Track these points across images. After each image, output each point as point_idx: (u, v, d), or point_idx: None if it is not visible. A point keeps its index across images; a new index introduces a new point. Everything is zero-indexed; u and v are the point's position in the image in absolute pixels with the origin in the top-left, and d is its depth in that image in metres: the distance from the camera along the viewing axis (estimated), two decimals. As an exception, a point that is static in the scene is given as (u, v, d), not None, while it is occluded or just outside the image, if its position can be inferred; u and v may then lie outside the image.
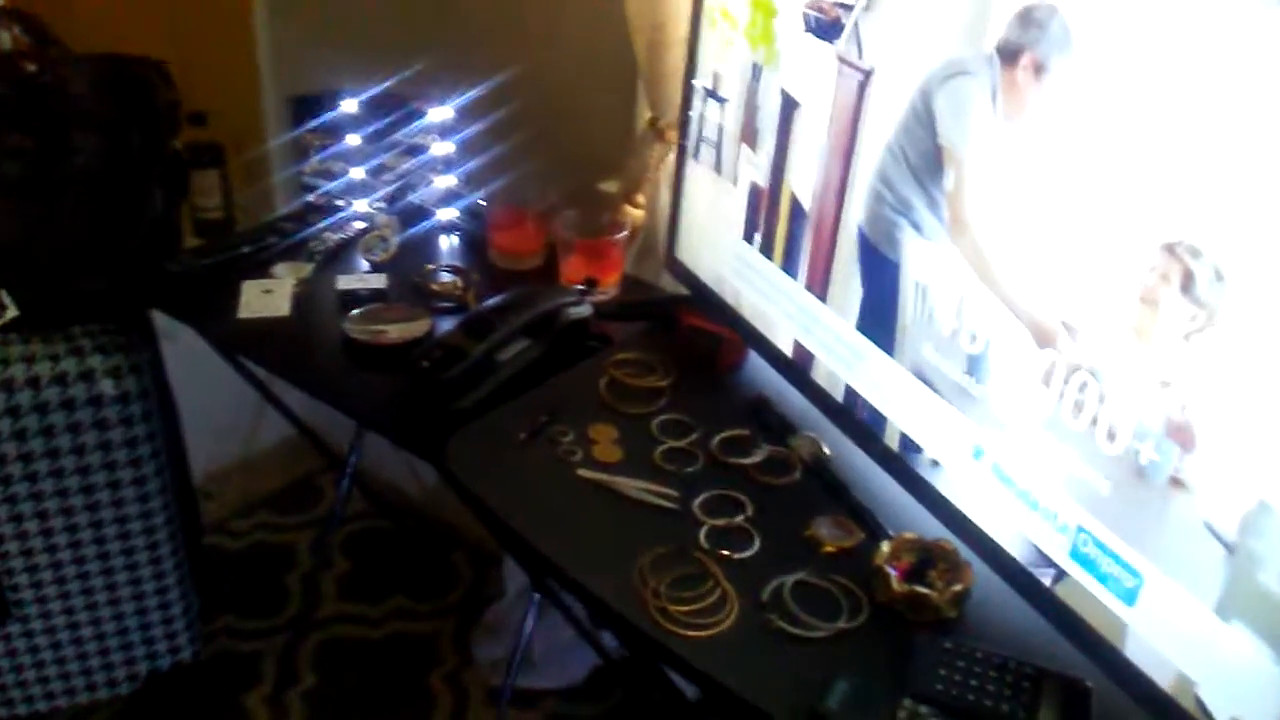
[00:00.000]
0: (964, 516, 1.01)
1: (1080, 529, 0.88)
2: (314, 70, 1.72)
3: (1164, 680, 0.83)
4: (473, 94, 1.56)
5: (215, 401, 2.01)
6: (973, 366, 0.97)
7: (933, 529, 1.04)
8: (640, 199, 1.50)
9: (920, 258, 1.00)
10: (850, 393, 1.13)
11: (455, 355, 1.26)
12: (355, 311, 1.37)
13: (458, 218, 1.62)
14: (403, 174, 1.63)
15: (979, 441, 0.98)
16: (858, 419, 1.13)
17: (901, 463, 1.08)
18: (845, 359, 1.13)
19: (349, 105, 1.59)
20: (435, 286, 1.45)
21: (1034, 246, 0.88)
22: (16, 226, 1.44)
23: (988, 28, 0.88)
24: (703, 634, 0.95)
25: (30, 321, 1.44)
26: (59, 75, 1.44)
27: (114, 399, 1.46)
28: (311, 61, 1.74)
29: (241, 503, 2.26)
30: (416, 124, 1.60)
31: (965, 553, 1.00)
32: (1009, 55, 0.86)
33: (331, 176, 1.63)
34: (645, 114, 1.46)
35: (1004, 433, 0.95)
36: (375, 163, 1.62)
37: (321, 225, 1.58)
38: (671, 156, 1.39)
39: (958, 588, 0.97)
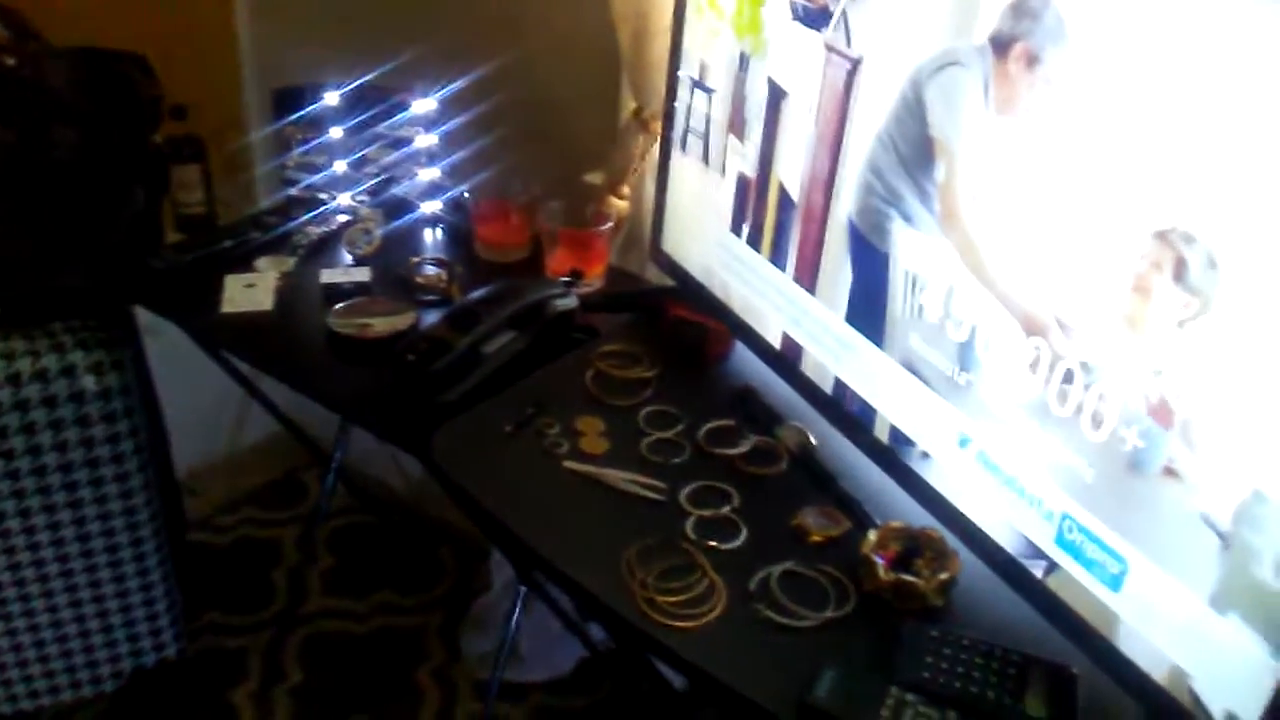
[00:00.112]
0: (950, 505, 1.02)
1: (1065, 515, 0.89)
2: (296, 62, 1.71)
3: (1154, 669, 0.83)
4: (456, 86, 1.55)
5: (199, 397, 2.00)
6: (960, 356, 0.97)
7: (919, 517, 1.04)
8: (625, 190, 1.50)
9: (910, 248, 1.01)
10: (839, 385, 1.14)
11: (440, 348, 1.25)
12: (339, 305, 1.36)
13: (442, 210, 1.61)
14: (386, 167, 1.62)
15: (965, 430, 0.98)
16: (847, 411, 1.13)
17: (890, 454, 1.09)
18: (834, 351, 1.13)
19: (331, 98, 1.58)
20: (420, 279, 1.44)
21: (1025, 237, 0.88)
22: (-5, 221, 1.42)
23: (979, 18, 0.88)
24: (690, 624, 0.95)
25: (10, 318, 1.43)
26: (38, 69, 1.42)
27: (96, 395, 1.45)
28: (293, 54, 1.73)
29: (226, 498, 2.25)
30: (400, 116, 1.59)
31: (952, 541, 1.00)
32: (1001, 46, 0.86)
33: (314, 170, 1.62)
34: (629, 105, 1.46)
35: (990, 421, 0.95)
36: (358, 155, 1.61)
37: (304, 219, 1.57)
38: (656, 147, 1.39)
39: (944, 576, 0.97)
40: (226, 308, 1.39)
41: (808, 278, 1.15)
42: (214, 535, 2.18)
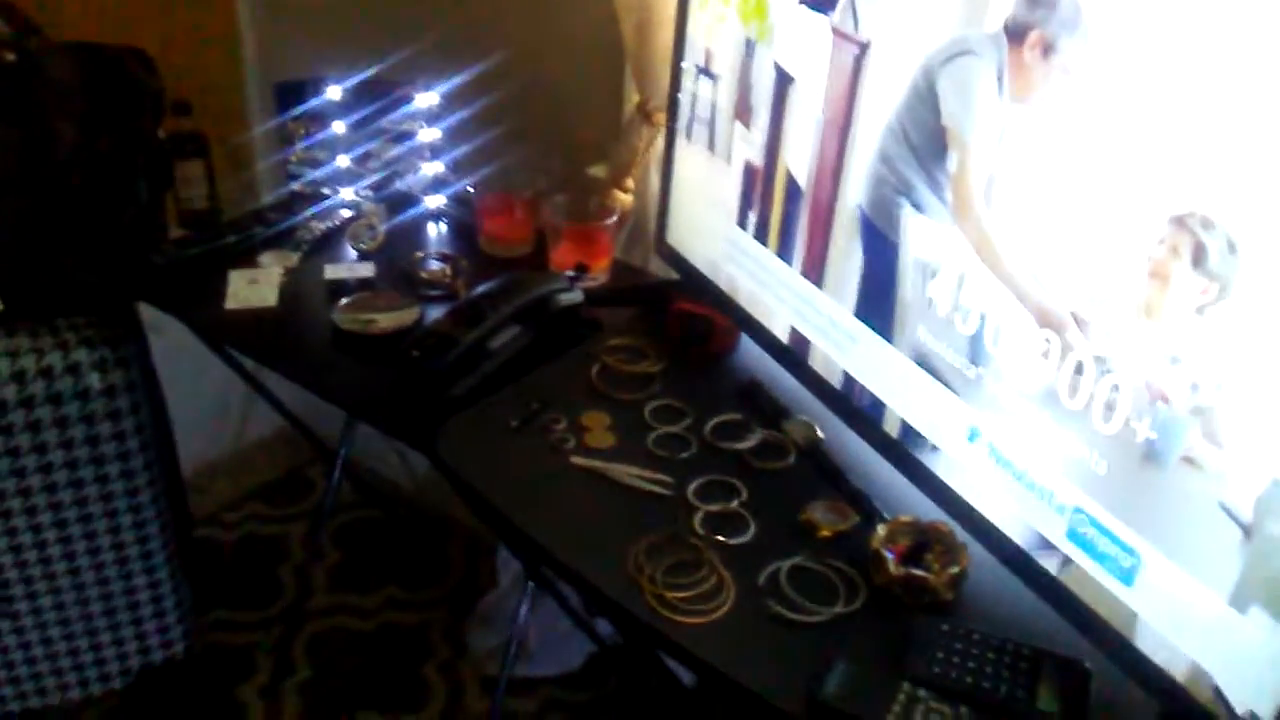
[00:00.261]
0: (960, 499, 1.01)
1: (1077, 509, 0.88)
2: (299, 56, 1.70)
3: (1171, 665, 0.82)
4: (459, 79, 1.54)
5: (204, 393, 2.00)
6: (971, 349, 0.96)
7: (929, 511, 1.03)
8: (629, 183, 1.49)
9: (921, 239, 0.99)
10: (848, 379, 1.13)
11: (446, 343, 1.25)
12: (343, 301, 1.36)
13: (446, 205, 1.60)
14: (390, 161, 1.61)
15: (975, 423, 0.97)
16: (856, 405, 1.12)
17: (899, 448, 1.08)
18: (842, 345, 1.12)
19: (334, 92, 1.58)
20: (424, 274, 1.44)
21: (1040, 227, 0.87)
22: (-2, 218, 1.42)
23: (992, 6, 0.87)
24: (700, 620, 0.94)
25: (14, 315, 1.43)
26: (40, 65, 1.42)
27: (101, 392, 1.44)
28: (296, 47, 1.72)
29: (232, 495, 2.25)
30: (403, 110, 1.58)
31: (962, 535, 1.00)
32: (1017, 34, 0.85)
33: (317, 164, 1.61)
34: (633, 97, 1.45)
35: (1000, 414, 0.94)
36: (362, 150, 1.61)
37: (308, 214, 1.56)
38: (661, 140, 1.38)
39: (954, 570, 0.97)
40: (230, 303, 1.38)
41: (815, 271, 1.14)
42: (220, 532, 2.18)
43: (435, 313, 1.35)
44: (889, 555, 0.97)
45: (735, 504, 1.07)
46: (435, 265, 1.46)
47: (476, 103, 1.55)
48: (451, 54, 1.54)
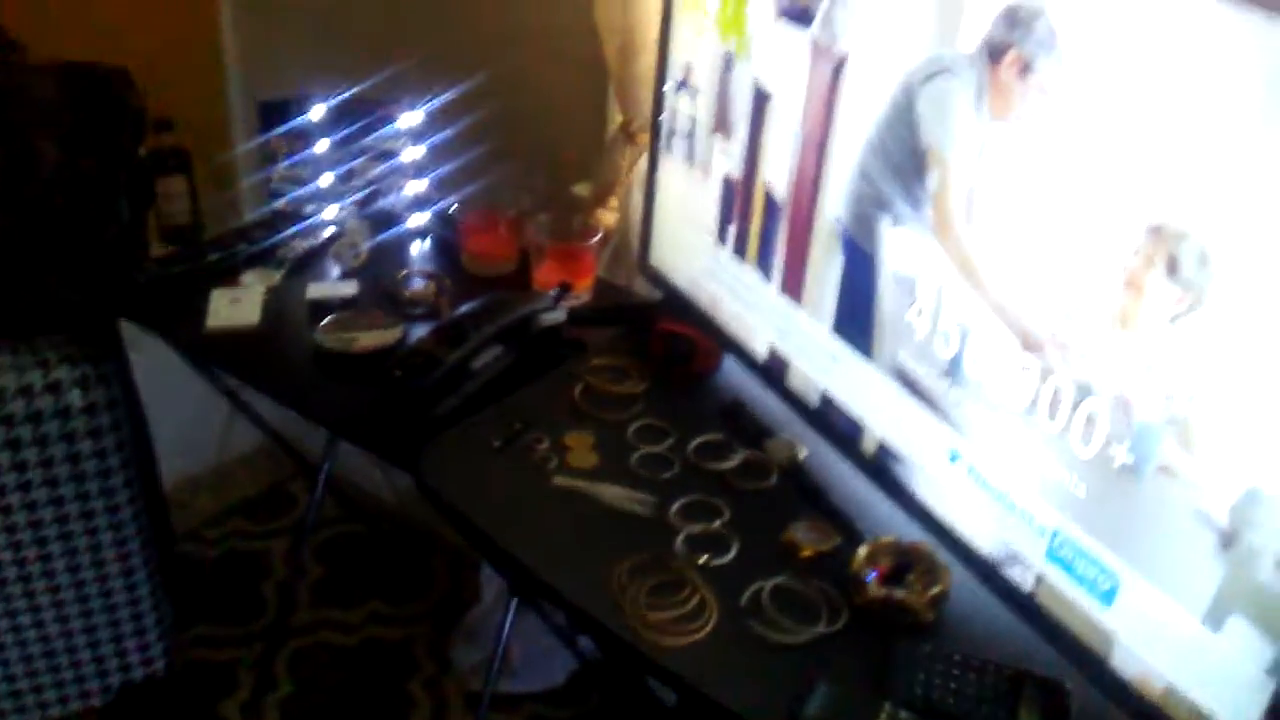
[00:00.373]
0: (941, 519, 1.02)
1: (1056, 531, 0.89)
2: (282, 75, 1.70)
3: (1148, 684, 0.83)
4: (443, 98, 1.55)
5: (186, 408, 1.99)
6: (951, 369, 0.97)
7: (911, 531, 1.04)
8: (613, 203, 1.49)
9: (901, 257, 1.01)
10: (827, 397, 1.14)
11: (429, 363, 1.25)
12: (326, 319, 1.35)
13: (429, 223, 1.61)
14: (373, 179, 1.61)
15: (955, 445, 0.98)
16: (834, 423, 1.13)
17: (879, 467, 1.09)
18: (821, 363, 1.13)
19: (317, 110, 1.58)
20: (407, 293, 1.44)
21: (1020, 245, 0.88)
22: (-21, 236, 1.41)
23: (967, 23, 0.88)
24: (682, 641, 0.95)
25: (-5, 332, 1.42)
26: (21, 83, 1.41)
27: (82, 410, 1.44)
28: (279, 66, 1.72)
29: (214, 510, 2.24)
30: (387, 129, 1.58)
31: (943, 555, 1.00)
32: (994, 54, 0.86)
33: (300, 182, 1.61)
34: (617, 117, 1.46)
35: (981, 435, 0.95)
36: (345, 168, 1.61)
37: (290, 232, 1.56)
38: (644, 160, 1.38)
39: (936, 590, 0.97)
40: (212, 322, 1.38)
41: (794, 287, 1.15)
42: (202, 547, 2.17)
43: (418, 332, 1.35)
44: (870, 576, 0.98)
45: (718, 524, 1.07)
46: (419, 284, 1.46)
47: (460, 121, 1.55)
48: (435, 73, 1.54)
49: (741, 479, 1.14)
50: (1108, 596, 0.85)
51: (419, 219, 1.61)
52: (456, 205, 1.58)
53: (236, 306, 1.40)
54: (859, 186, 1.03)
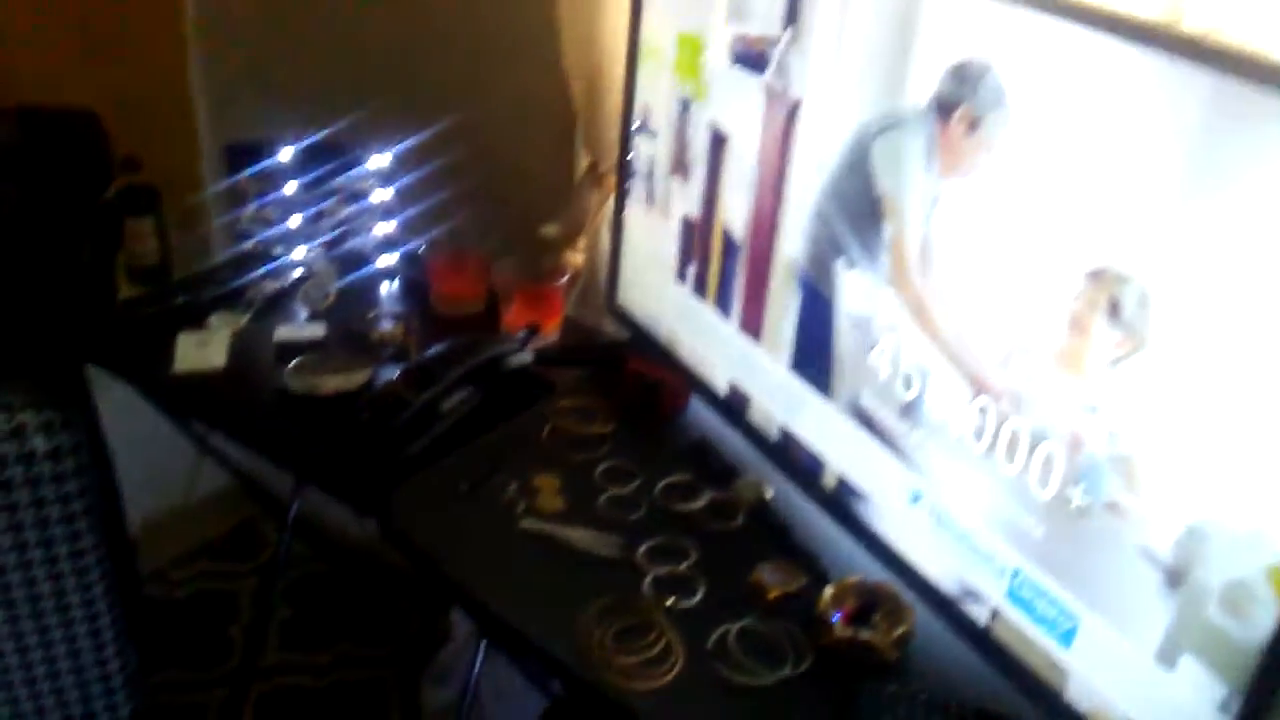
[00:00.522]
0: (904, 560, 1.03)
1: (1016, 571, 0.90)
2: (251, 117, 1.71)
3: (1103, 722, 0.85)
4: (412, 141, 1.56)
5: (153, 447, 1.97)
6: (911, 411, 0.98)
7: (876, 570, 1.05)
8: (581, 243, 1.51)
9: (858, 300, 1.02)
10: (786, 433, 1.15)
11: (397, 405, 1.25)
12: (293, 362, 1.35)
13: (398, 264, 1.61)
14: (342, 221, 1.62)
15: (917, 485, 0.99)
16: (795, 459, 1.15)
17: (840, 505, 1.10)
18: (780, 399, 1.15)
19: (286, 153, 1.58)
20: (376, 335, 1.44)
21: (972, 293, 0.90)
22: (-57, 281, 1.41)
23: (917, 78, 0.90)
24: (649, 685, 0.95)
25: (-42, 378, 1.41)
26: (-16, 128, 1.41)
27: (46, 455, 1.42)
28: (248, 108, 1.73)
29: (182, 551, 2.22)
30: (356, 171, 1.59)
31: (908, 595, 1.01)
32: (944, 110, 0.88)
33: (269, 224, 1.62)
34: (584, 159, 1.47)
35: (942, 477, 0.96)
36: (314, 210, 1.61)
37: (258, 274, 1.56)
38: (611, 201, 1.40)
39: (900, 631, 0.98)
40: (179, 366, 1.37)
41: (753, 325, 1.17)
42: (169, 589, 2.15)
43: (387, 373, 1.35)
44: (835, 617, 0.99)
45: (684, 566, 1.08)
46: (387, 325, 1.46)
47: (429, 164, 1.56)
48: (405, 117, 1.55)
49: (709, 520, 1.14)
50: (1067, 637, 0.86)
51: (388, 260, 1.61)
52: (425, 246, 1.59)
53: (203, 350, 1.40)
54: (816, 230, 1.05)
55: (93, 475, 1.51)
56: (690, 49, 1.16)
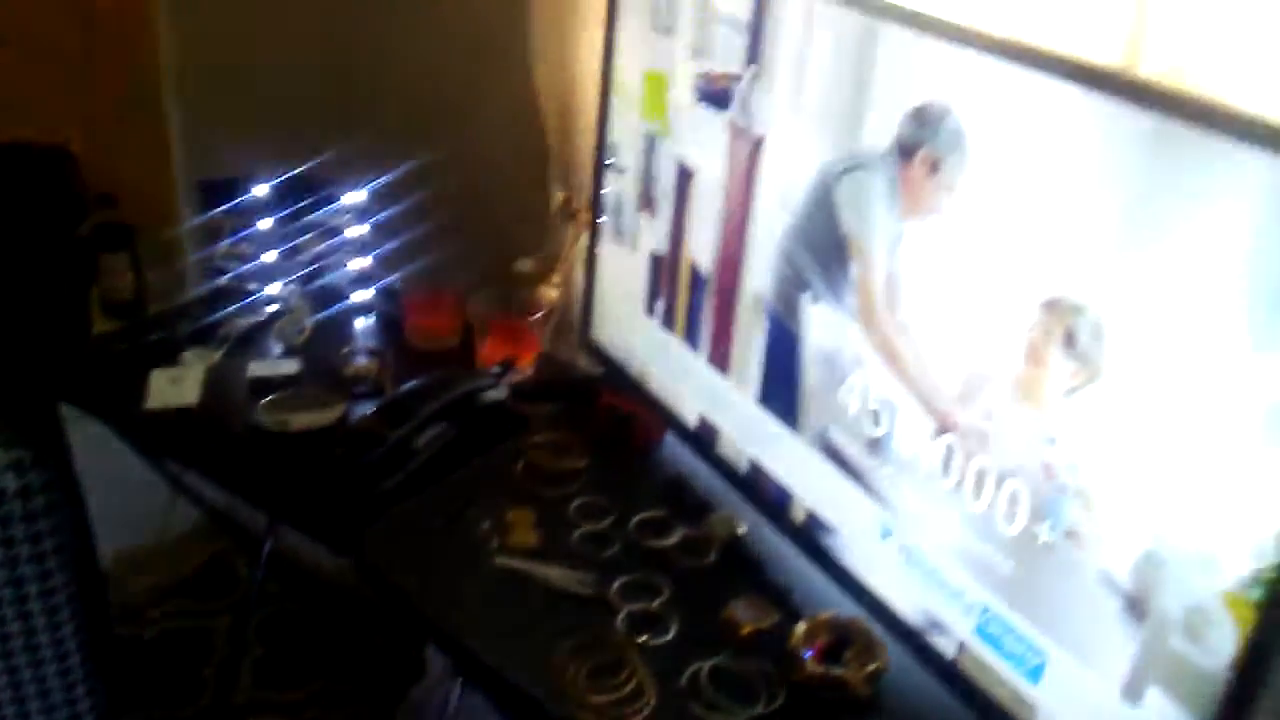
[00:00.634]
0: (876, 596, 1.03)
1: (985, 608, 0.91)
2: (226, 153, 1.71)
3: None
4: (387, 177, 1.56)
5: (125, 483, 1.95)
6: (877, 447, 0.99)
7: (847, 604, 1.05)
8: (555, 279, 1.51)
9: (824, 337, 1.03)
10: (756, 465, 1.15)
11: (371, 442, 1.25)
12: (267, 399, 1.35)
13: (373, 300, 1.61)
14: (317, 257, 1.62)
15: (886, 521, 1.00)
16: (764, 491, 1.15)
17: (810, 539, 1.10)
18: (748, 433, 1.15)
19: (261, 189, 1.59)
20: (350, 371, 1.44)
21: (937, 330, 0.91)
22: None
23: (877, 117, 0.92)
24: (621, 725, 0.95)
25: (-73, 416, 1.40)
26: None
27: (16, 494, 1.41)
28: (223, 145, 1.73)
29: (155, 588, 2.19)
30: (331, 206, 1.59)
31: (880, 631, 1.02)
32: (905, 152, 0.90)
33: (244, 259, 1.61)
34: (559, 195, 1.48)
35: (909, 512, 0.97)
36: (289, 246, 1.61)
37: (232, 309, 1.56)
38: (585, 236, 1.41)
39: (872, 667, 0.98)
40: (152, 403, 1.37)
41: (720, 359, 1.18)
42: (141, 627, 2.12)
43: (361, 409, 1.35)
44: (807, 654, 0.99)
45: (657, 603, 1.08)
46: (362, 361, 1.46)
47: (404, 199, 1.57)
48: (380, 153, 1.56)
49: (682, 556, 1.14)
50: (1035, 673, 0.87)
51: (363, 296, 1.61)
52: (400, 282, 1.59)
53: (176, 386, 1.39)
54: (784, 267, 1.06)
55: (64, 514, 1.50)
56: (655, 86, 1.18)
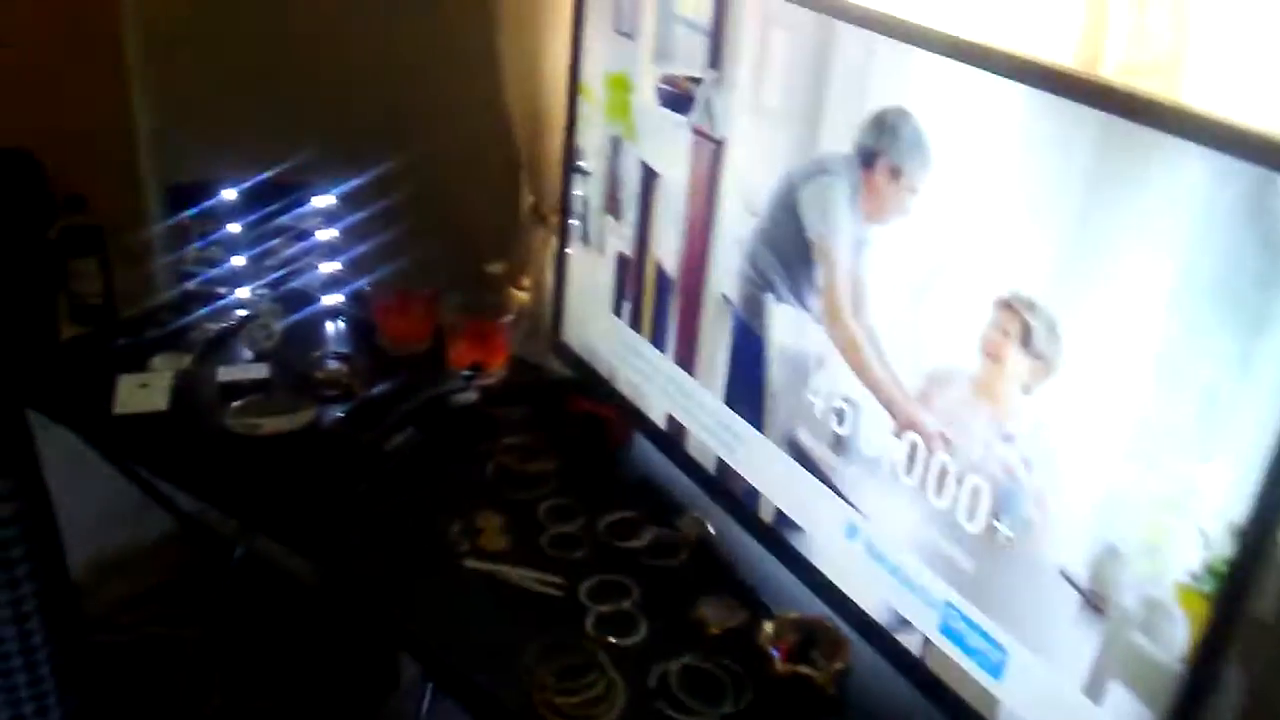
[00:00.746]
0: (842, 593, 1.03)
1: (948, 604, 0.91)
2: (196, 157, 1.70)
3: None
4: (357, 181, 1.56)
5: (97, 490, 1.94)
6: (841, 446, 1.00)
7: (816, 605, 1.06)
8: (526, 281, 1.52)
9: (790, 338, 1.04)
10: (723, 464, 1.16)
11: (341, 446, 1.25)
12: (236, 404, 1.35)
13: (344, 303, 1.61)
14: (287, 260, 1.61)
15: (852, 519, 1.00)
16: (732, 491, 1.15)
17: (777, 538, 1.10)
18: (715, 432, 1.16)
19: (229, 194, 1.58)
20: (321, 375, 1.43)
21: (901, 330, 0.92)
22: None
23: (836, 120, 0.92)
24: (590, 726, 0.95)
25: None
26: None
27: (-17, 502, 1.40)
28: (193, 149, 1.73)
29: (127, 595, 2.18)
30: (301, 210, 1.59)
31: (845, 629, 1.02)
32: (867, 159, 0.91)
33: (213, 264, 1.61)
34: (529, 198, 1.48)
35: (875, 511, 0.98)
36: (259, 250, 1.61)
37: (201, 314, 1.55)
38: (556, 239, 1.41)
39: (838, 665, 0.99)
40: (120, 409, 1.36)
41: (687, 359, 1.18)
42: (113, 635, 2.11)
43: (331, 414, 1.35)
44: (774, 653, 0.99)
45: (627, 604, 1.08)
46: (332, 365, 1.46)
47: (375, 203, 1.56)
48: (350, 157, 1.55)
49: (651, 557, 1.15)
50: (996, 670, 0.87)
51: (333, 300, 1.61)
52: (371, 285, 1.59)
53: (145, 392, 1.39)
54: (747, 269, 1.07)
55: (32, 522, 1.49)
56: (619, 89, 1.19)
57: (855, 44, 0.91)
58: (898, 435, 0.93)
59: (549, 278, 1.45)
